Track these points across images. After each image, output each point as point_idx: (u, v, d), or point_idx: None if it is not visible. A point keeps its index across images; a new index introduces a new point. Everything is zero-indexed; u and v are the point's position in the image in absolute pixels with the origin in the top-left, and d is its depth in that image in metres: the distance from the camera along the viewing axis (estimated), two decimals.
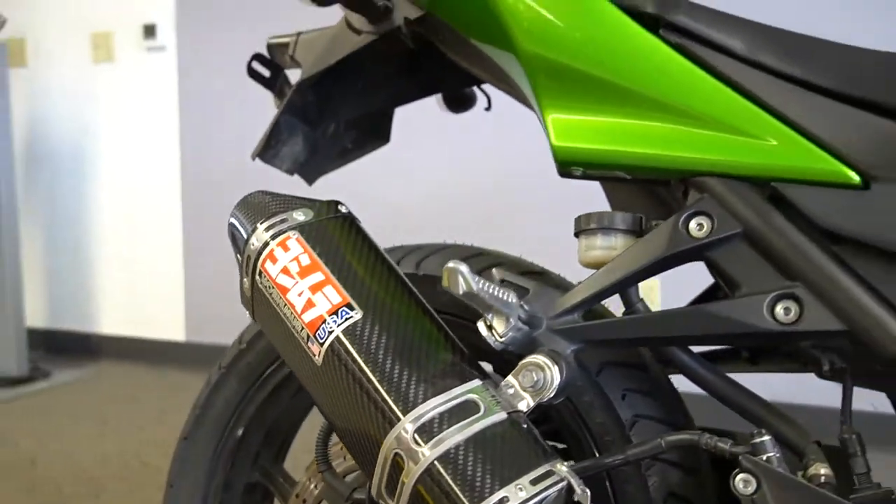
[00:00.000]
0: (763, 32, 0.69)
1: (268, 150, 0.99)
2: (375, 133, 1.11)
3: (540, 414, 0.77)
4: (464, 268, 0.60)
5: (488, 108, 1.06)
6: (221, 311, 2.37)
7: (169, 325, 3.20)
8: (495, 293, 0.62)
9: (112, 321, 3.33)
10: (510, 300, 0.64)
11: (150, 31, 3.03)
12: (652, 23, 0.70)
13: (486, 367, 0.70)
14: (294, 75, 1.02)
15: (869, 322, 0.60)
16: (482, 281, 0.61)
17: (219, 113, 2.95)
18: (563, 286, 0.77)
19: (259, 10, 2.69)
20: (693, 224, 0.66)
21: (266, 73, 1.03)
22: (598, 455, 0.74)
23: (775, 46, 0.67)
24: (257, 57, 1.02)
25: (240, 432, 0.93)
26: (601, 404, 0.75)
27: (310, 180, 1.09)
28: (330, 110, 1.04)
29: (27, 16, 3.27)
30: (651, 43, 0.69)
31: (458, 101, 1.10)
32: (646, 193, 0.86)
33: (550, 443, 0.77)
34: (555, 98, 0.71)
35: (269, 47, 1.06)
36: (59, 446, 2.32)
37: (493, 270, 0.73)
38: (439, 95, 1.09)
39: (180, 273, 3.16)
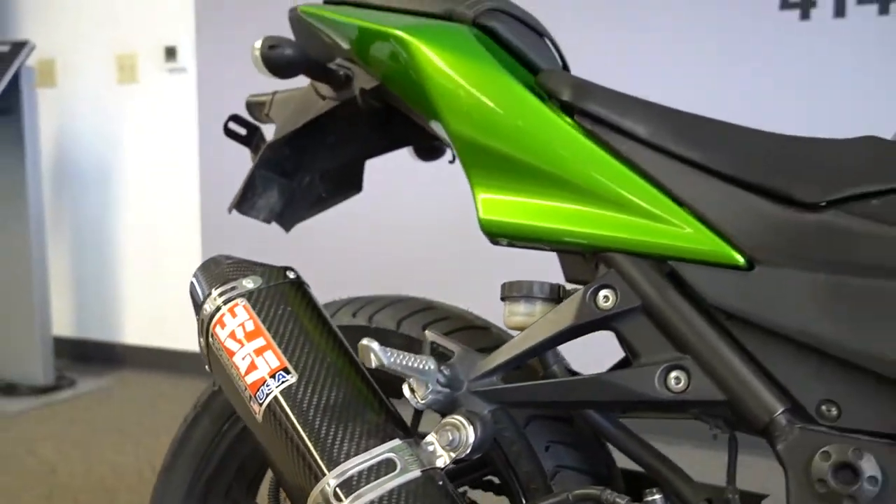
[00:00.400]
0: (667, 117, 0.75)
1: (244, 203, 1.07)
2: (348, 183, 1.18)
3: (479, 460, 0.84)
4: (375, 345, 0.67)
5: (452, 161, 1.12)
6: None
7: (190, 336, 3.31)
8: (410, 363, 0.69)
9: (135, 331, 3.46)
10: (427, 368, 0.71)
11: (171, 53, 3.14)
12: (568, 110, 0.76)
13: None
14: (270, 129, 1.10)
15: (745, 394, 0.66)
16: (395, 354, 0.68)
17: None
18: (497, 342, 0.84)
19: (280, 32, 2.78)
20: (600, 296, 0.72)
21: (242, 131, 1.10)
22: (524, 502, 0.81)
23: (677, 130, 0.73)
24: (233, 117, 1.10)
25: (213, 467, 1.01)
26: (527, 454, 0.81)
27: (287, 228, 1.16)
28: (304, 164, 1.11)
29: (57, 38, 3.40)
30: (566, 129, 0.75)
31: (428, 151, 1.17)
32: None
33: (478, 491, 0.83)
34: (480, 176, 0.78)
35: (248, 105, 1.14)
36: (80, 454, 2.44)
37: (427, 332, 0.80)
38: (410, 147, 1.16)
39: None
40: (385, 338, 0.89)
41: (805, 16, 2.26)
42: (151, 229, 3.38)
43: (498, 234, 0.78)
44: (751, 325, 0.67)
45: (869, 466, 0.61)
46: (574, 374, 0.78)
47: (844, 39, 2.21)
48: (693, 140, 0.73)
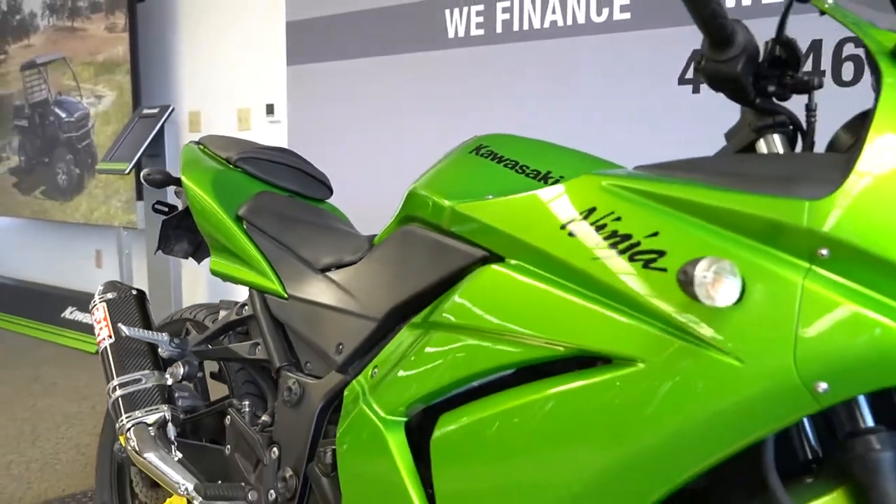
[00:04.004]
0: (266, 208, 1.55)
1: (164, 248, 1.97)
2: None
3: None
4: (129, 330, 1.54)
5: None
6: None
7: None
8: (147, 336, 1.55)
9: None
10: (162, 338, 1.57)
11: (270, 108, 4.18)
12: (239, 220, 1.58)
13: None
14: None
15: (282, 355, 1.47)
16: (140, 332, 1.55)
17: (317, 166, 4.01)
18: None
19: (343, 96, 3.73)
20: (245, 309, 1.55)
21: (165, 209, 2.00)
22: None
23: (269, 217, 1.53)
24: (157, 202, 2.00)
25: None
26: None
27: (199, 261, 2.05)
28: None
29: (202, 96, 4.57)
30: (237, 231, 1.57)
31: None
32: None
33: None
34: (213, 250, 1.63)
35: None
36: None
37: (191, 322, 1.66)
38: None
39: None
40: (195, 327, 1.76)
41: (696, 90, 2.81)
42: None
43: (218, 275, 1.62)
44: (289, 326, 1.47)
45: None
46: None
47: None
48: (273, 222, 1.53)
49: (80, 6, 4.72)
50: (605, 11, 3.05)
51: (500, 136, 1.29)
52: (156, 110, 4.12)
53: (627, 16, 2.97)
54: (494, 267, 1.06)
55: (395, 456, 1.12)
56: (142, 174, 1.79)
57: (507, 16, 3.29)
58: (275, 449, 1.39)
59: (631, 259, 0.91)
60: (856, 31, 0.88)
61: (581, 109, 3.06)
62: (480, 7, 3.37)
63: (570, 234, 0.97)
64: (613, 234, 0.93)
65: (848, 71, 2.53)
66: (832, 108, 2.69)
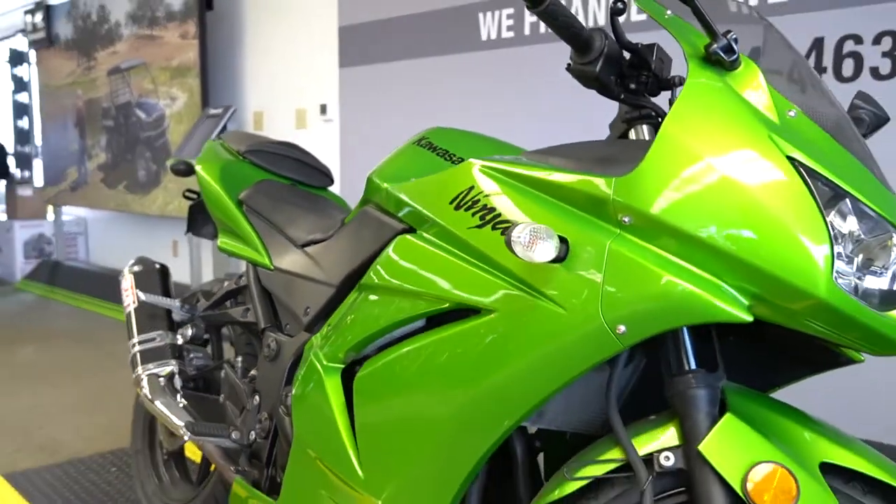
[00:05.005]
0: (264, 192, 1.79)
1: (193, 230, 2.24)
2: None
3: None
4: (145, 296, 1.81)
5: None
6: None
7: None
8: (162, 302, 1.82)
9: None
10: (174, 304, 1.84)
11: (324, 108, 4.47)
12: (240, 204, 1.83)
13: None
14: None
15: (268, 318, 1.71)
16: (155, 298, 1.82)
17: (366, 162, 4.27)
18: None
19: (388, 95, 3.99)
20: (242, 279, 1.81)
21: (194, 196, 2.28)
22: None
23: (262, 201, 1.78)
24: (188, 190, 2.28)
25: None
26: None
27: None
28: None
29: (264, 97, 4.92)
30: (237, 213, 1.82)
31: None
32: None
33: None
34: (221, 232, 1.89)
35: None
36: None
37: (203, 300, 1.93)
38: None
39: None
40: (205, 296, 2.02)
41: None
42: None
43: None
44: (274, 293, 1.70)
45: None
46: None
47: None
48: (266, 206, 1.77)
49: (158, 16, 5.13)
50: (634, 10, 3.19)
51: (441, 129, 1.49)
52: (220, 110, 4.47)
53: (643, 17, 3.10)
54: (407, 237, 1.26)
55: (330, 396, 1.34)
56: (168, 163, 2.06)
57: (534, 18, 3.46)
58: (256, 397, 1.63)
59: (493, 227, 1.10)
60: (670, 30, 1.03)
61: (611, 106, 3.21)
62: (510, 10, 3.55)
63: (455, 209, 1.17)
64: (483, 207, 1.13)
65: (848, 67, 2.60)
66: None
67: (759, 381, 1.20)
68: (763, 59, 1.06)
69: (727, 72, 0.99)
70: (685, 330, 1.05)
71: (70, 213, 6.90)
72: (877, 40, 2.53)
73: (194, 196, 2.26)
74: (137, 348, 1.81)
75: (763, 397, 1.08)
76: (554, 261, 0.99)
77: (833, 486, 0.99)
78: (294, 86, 4.69)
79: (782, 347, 1.18)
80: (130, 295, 1.89)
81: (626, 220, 0.98)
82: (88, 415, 3.29)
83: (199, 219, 2.21)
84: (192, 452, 2.33)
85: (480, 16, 3.65)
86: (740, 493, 0.96)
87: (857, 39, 2.57)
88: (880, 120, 1.27)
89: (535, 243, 0.97)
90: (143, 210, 5.50)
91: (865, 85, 2.57)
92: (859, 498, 1.00)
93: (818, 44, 2.65)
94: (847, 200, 0.94)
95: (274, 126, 4.89)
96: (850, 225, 0.95)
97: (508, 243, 0.98)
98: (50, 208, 6.99)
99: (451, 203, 1.18)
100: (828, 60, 2.64)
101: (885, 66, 2.53)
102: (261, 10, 4.87)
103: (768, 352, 1.20)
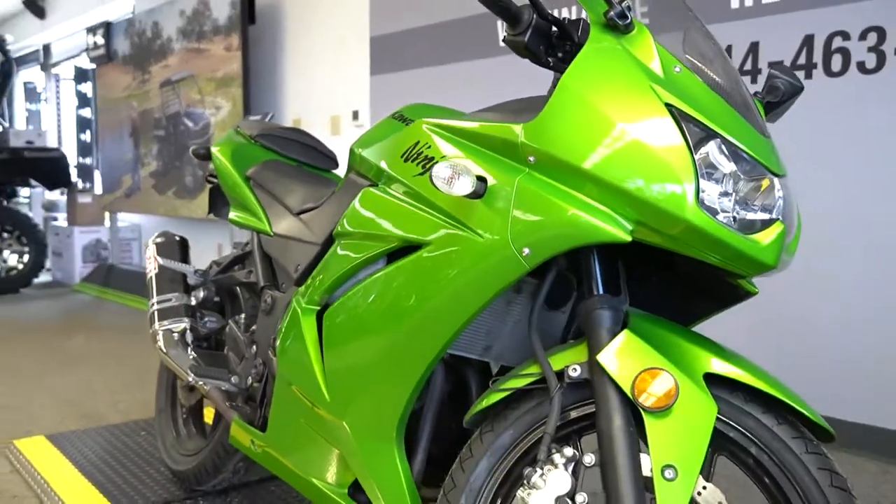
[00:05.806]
0: (270, 170, 2.00)
1: (214, 212, 2.47)
2: None
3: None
4: (165, 262, 2.03)
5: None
6: None
7: None
8: (179, 267, 2.04)
9: None
10: (190, 269, 2.05)
11: (356, 115, 4.71)
12: (247, 179, 2.05)
13: None
14: None
15: (268, 276, 1.91)
16: (174, 263, 2.04)
17: None
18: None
19: (418, 100, 4.20)
20: (247, 245, 2.02)
21: (215, 179, 2.50)
22: None
23: (269, 178, 1.99)
24: (210, 174, 2.51)
25: None
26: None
27: None
28: None
29: (302, 105, 5.19)
30: (245, 187, 2.03)
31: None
32: None
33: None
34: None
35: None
36: None
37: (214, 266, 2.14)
38: None
39: None
40: (216, 264, 2.23)
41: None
42: None
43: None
44: (273, 256, 1.91)
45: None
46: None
47: None
48: (273, 184, 1.98)
49: (205, 30, 5.46)
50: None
51: (415, 105, 1.68)
52: (259, 117, 4.73)
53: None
54: (369, 189, 1.45)
55: (305, 333, 1.53)
56: (190, 149, 2.30)
57: None
58: (254, 346, 1.83)
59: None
60: (579, 1, 1.20)
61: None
62: None
63: (404, 161, 1.35)
64: (425, 157, 1.31)
65: (836, 62, 2.71)
66: (824, 96, 2.93)
67: (681, 317, 1.35)
68: (660, 22, 1.22)
69: (623, 35, 1.15)
70: (595, 260, 1.21)
71: (125, 219, 7.29)
72: (863, 36, 2.64)
73: (214, 180, 2.49)
74: (156, 307, 2.03)
75: (663, 321, 1.23)
76: (473, 195, 1.17)
77: (717, 394, 1.13)
78: (329, 94, 4.95)
79: (696, 285, 1.33)
80: (152, 262, 2.12)
81: (532, 159, 1.15)
82: (129, 392, 3.54)
83: (219, 201, 2.43)
84: (208, 412, 2.55)
85: (499, 24, 3.85)
86: (630, 396, 1.11)
87: (845, 35, 2.68)
88: (795, 89, 1.42)
89: (454, 178, 1.14)
90: (189, 214, 5.81)
91: (853, 80, 2.68)
92: (741, 405, 1.14)
93: (809, 41, 2.77)
94: (719, 141, 1.09)
95: (312, 132, 5.14)
96: (726, 164, 1.10)
97: (431, 179, 1.15)
98: (107, 215, 7.38)
99: (401, 157, 1.37)
100: (818, 57, 2.75)
101: (870, 61, 2.64)
102: (299, 23, 5.15)
103: (685, 289, 1.35)
